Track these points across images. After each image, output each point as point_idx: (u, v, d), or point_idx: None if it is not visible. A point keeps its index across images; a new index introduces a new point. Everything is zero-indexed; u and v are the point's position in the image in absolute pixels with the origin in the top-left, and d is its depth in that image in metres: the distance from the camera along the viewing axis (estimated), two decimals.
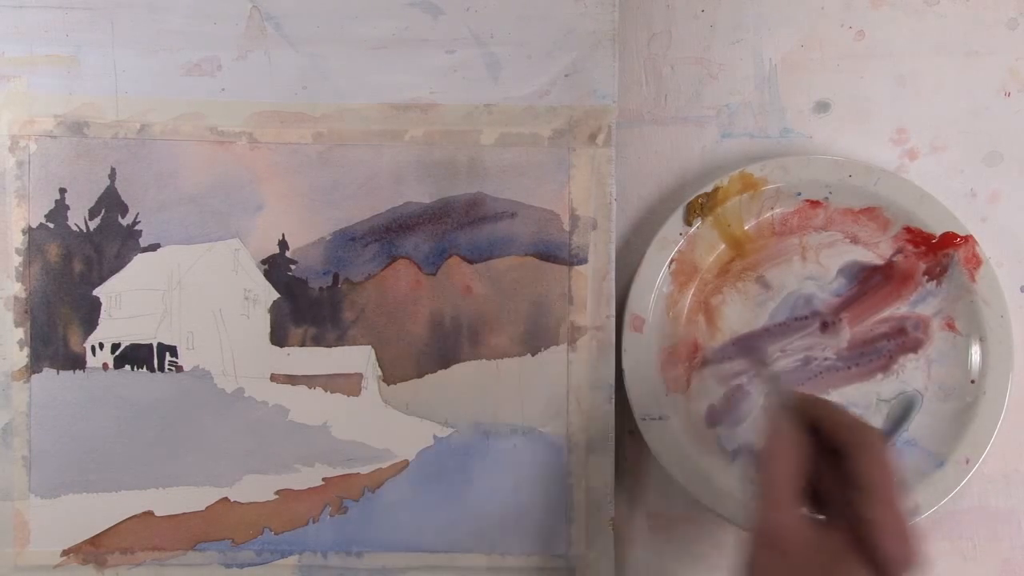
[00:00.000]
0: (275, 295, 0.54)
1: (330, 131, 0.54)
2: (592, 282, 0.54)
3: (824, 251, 0.56)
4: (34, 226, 0.54)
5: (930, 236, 0.54)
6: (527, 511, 0.53)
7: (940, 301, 0.55)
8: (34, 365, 0.54)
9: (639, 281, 0.55)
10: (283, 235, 0.54)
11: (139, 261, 0.54)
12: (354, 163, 0.54)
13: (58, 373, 0.54)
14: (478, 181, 0.54)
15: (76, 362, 0.54)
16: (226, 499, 0.54)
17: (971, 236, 0.54)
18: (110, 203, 0.54)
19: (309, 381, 0.54)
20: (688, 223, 0.54)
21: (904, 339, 0.55)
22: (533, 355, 0.54)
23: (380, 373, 0.54)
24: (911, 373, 0.56)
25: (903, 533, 0.43)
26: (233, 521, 0.54)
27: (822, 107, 0.56)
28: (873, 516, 0.42)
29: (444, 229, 0.54)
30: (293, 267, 0.54)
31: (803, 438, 0.45)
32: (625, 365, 0.54)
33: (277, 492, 0.54)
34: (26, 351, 0.54)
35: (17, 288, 0.54)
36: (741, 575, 0.43)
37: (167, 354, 0.54)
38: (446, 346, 0.54)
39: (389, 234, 0.54)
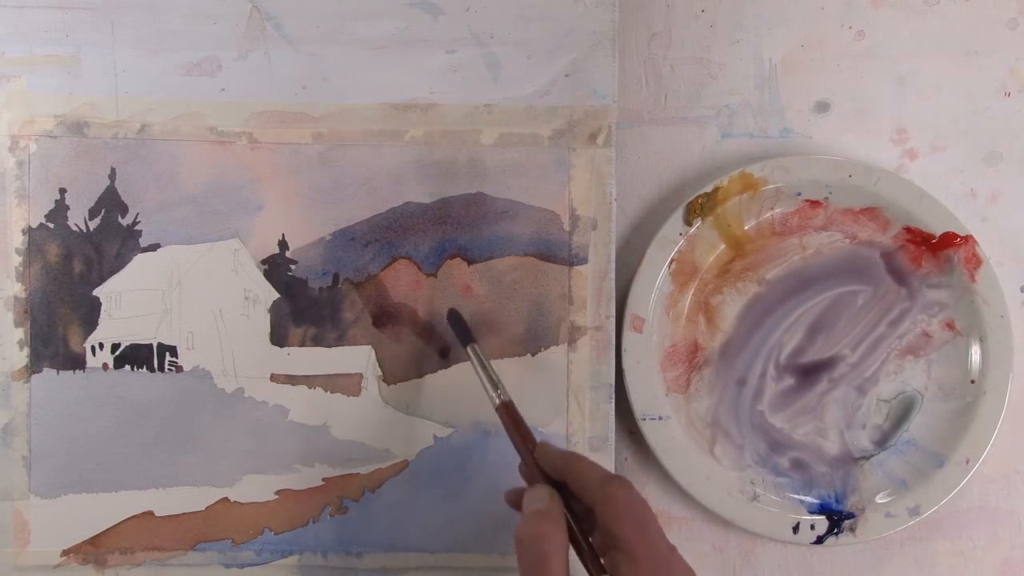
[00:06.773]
0: (275, 295, 0.54)
1: (330, 131, 0.54)
2: (592, 282, 0.54)
3: (824, 251, 0.56)
4: (34, 226, 0.54)
5: (930, 236, 0.54)
6: None
7: (940, 302, 0.55)
8: (34, 365, 0.54)
9: (639, 281, 0.55)
10: (283, 235, 0.54)
11: (139, 261, 0.54)
12: (354, 163, 0.54)
13: (58, 373, 0.54)
14: (478, 181, 0.54)
15: (76, 362, 0.54)
16: (226, 499, 0.54)
17: (971, 236, 0.54)
18: (110, 203, 0.54)
19: (309, 381, 0.54)
20: (688, 223, 0.54)
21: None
22: (533, 355, 0.54)
23: (380, 373, 0.54)
24: (911, 373, 0.56)
25: None
26: (233, 521, 0.54)
27: (822, 107, 0.56)
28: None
29: (444, 229, 0.54)
30: (293, 267, 0.54)
31: (561, 508, 0.43)
32: (625, 365, 0.54)
33: (277, 492, 0.54)
34: (26, 351, 0.54)
35: (17, 288, 0.54)
36: None
37: (167, 354, 0.54)
38: (446, 346, 0.54)
39: (389, 234, 0.54)
